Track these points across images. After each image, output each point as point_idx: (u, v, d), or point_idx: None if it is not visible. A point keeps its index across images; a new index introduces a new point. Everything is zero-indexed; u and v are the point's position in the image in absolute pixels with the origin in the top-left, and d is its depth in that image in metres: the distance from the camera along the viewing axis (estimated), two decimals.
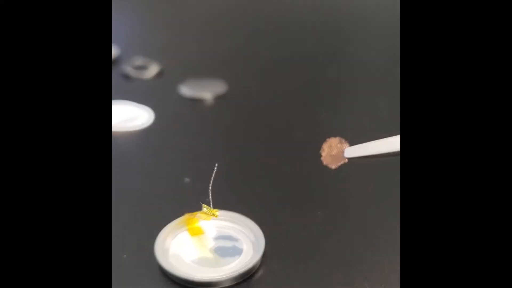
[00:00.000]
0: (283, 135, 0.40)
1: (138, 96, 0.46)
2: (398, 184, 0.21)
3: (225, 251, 0.28)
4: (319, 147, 0.38)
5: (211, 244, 0.28)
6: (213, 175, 0.28)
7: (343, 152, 0.23)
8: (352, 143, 0.39)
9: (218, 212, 0.28)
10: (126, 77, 0.50)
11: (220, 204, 0.29)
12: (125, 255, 0.27)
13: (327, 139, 0.23)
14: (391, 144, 0.23)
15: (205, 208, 0.28)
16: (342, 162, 0.23)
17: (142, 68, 0.51)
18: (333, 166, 0.23)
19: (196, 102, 0.45)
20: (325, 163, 0.23)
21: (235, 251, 0.28)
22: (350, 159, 0.23)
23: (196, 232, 0.29)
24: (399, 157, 0.22)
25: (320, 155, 0.23)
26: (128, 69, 0.51)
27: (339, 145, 0.23)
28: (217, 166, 0.28)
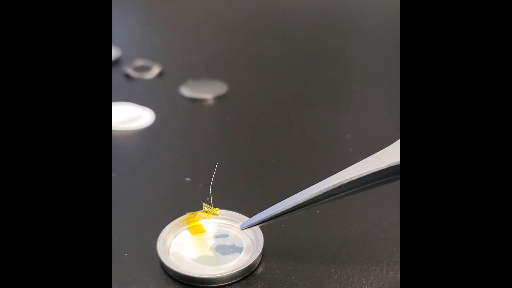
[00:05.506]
0: (283, 135, 0.41)
1: (139, 96, 0.46)
2: (398, 183, 0.21)
3: (225, 250, 0.28)
4: (318, 147, 0.39)
5: (212, 242, 0.28)
6: (214, 175, 0.28)
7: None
8: (352, 143, 0.39)
9: (219, 211, 0.29)
10: (127, 78, 0.50)
11: (220, 203, 0.29)
12: (126, 254, 0.28)
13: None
14: (284, 204, 0.25)
15: (205, 207, 0.29)
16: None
17: (143, 69, 0.51)
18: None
19: (196, 102, 0.46)
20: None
21: (235, 249, 0.28)
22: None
23: (197, 231, 0.29)
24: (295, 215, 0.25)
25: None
26: (129, 70, 0.51)
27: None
28: (217, 166, 0.29)
